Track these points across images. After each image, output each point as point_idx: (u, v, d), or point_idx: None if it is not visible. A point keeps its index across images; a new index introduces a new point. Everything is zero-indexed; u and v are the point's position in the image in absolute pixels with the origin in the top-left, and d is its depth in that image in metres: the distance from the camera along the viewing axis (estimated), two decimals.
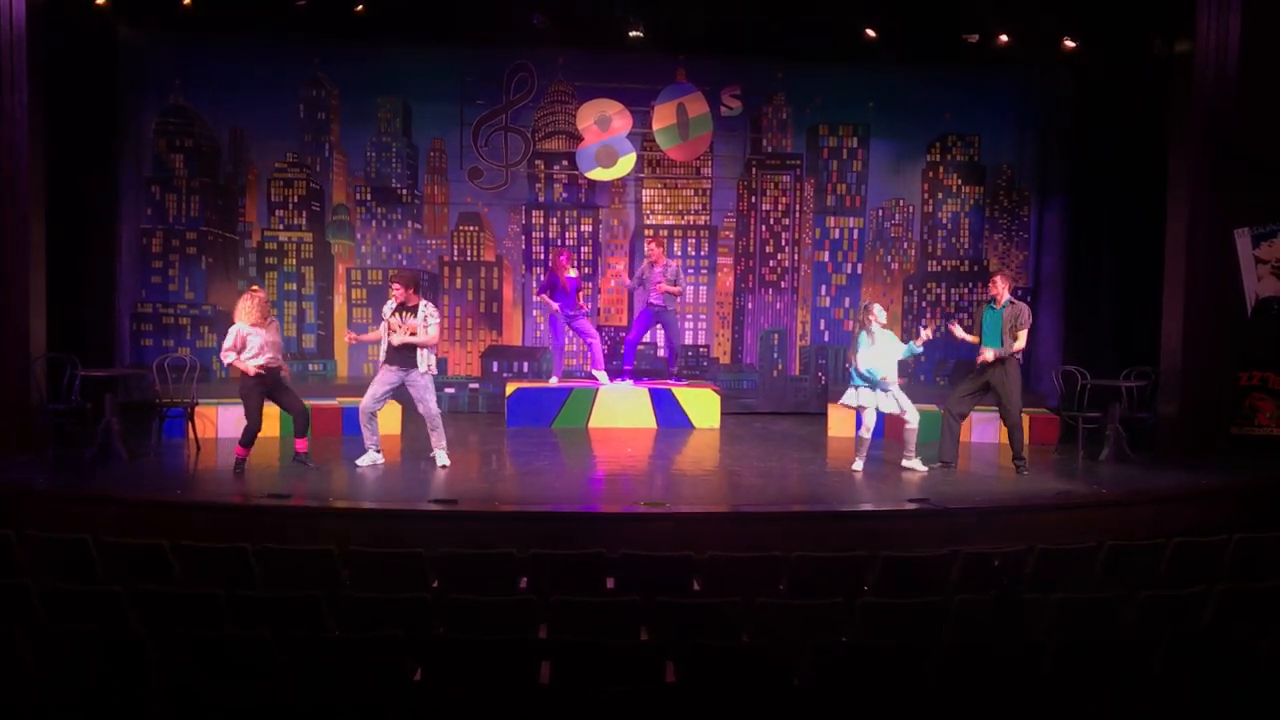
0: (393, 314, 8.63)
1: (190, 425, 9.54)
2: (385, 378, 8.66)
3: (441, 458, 8.86)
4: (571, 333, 11.50)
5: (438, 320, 8.69)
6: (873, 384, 8.86)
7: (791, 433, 11.25)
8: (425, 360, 8.64)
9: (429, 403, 8.70)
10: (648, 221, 12.54)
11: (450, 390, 12.07)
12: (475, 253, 12.30)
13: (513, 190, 12.31)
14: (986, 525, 7.54)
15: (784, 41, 11.31)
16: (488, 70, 12.06)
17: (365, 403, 8.73)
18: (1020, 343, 8.78)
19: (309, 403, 10.43)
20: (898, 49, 11.11)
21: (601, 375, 11.28)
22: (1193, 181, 9.72)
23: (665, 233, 12.50)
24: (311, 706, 3.98)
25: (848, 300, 12.64)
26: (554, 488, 8.57)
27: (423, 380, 8.65)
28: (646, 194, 12.57)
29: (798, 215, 12.61)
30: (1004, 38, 10.85)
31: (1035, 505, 7.97)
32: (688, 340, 12.58)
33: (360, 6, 10.50)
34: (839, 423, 10.85)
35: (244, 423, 8.45)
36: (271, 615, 4.72)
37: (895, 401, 8.89)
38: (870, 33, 10.86)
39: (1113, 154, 11.40)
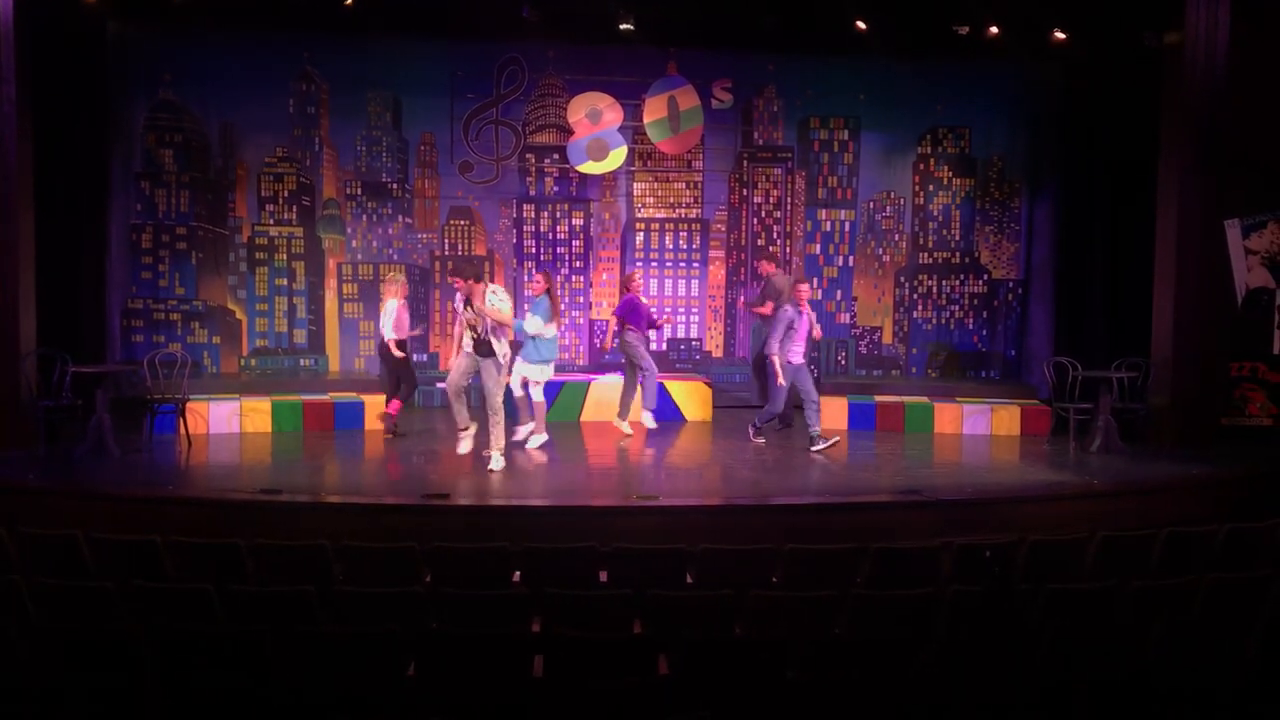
0: (465, 309, 8.43)
1: (182, 421, 9.51)
2: (469, 363, 8.51)
3: (497, 460, 8.48)
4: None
5: (501, 300, 8.37)
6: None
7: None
8: (500, 348, 8.45)
9: (494, 394, 8.49)
10: (639, 215, 12.53)
11: (441, 385, 12.01)
12: (466, 247, 12.27)
13: (503, 184, 12.28)
14: (978, 517, 7.57)
15: (775, 34, 11.28)
16: (478, 64, 12.02)
17: (455, 378, 8.61)
18: None
19: (301, 398, 10.48)
20: (888, 41, 11.11)
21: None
22: (1183, 172, 9.76)
23: (656, 225, 12.49)
24: (305, 701, 3.97)
25: (839, 293, 12.64)
26: (546, 482, 8.58)
27: (495, 368, 8.45)
28: (638, 187, 12.55)
29: (789, 208, 12.61)
30: (994, 29, 10.84)
31: (1027, 496, 8.00)
32: (679, 334, 12.56)
33: (349, 0, 10.44)
34: (831, 414, 10.85)
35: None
36: (264, 610, 4.72)
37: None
38: (861, 25, 10.85)
39: (1103, 145, 11.40)
